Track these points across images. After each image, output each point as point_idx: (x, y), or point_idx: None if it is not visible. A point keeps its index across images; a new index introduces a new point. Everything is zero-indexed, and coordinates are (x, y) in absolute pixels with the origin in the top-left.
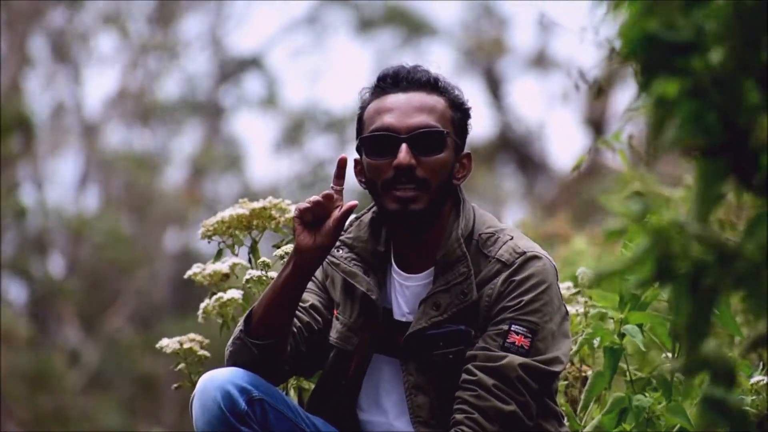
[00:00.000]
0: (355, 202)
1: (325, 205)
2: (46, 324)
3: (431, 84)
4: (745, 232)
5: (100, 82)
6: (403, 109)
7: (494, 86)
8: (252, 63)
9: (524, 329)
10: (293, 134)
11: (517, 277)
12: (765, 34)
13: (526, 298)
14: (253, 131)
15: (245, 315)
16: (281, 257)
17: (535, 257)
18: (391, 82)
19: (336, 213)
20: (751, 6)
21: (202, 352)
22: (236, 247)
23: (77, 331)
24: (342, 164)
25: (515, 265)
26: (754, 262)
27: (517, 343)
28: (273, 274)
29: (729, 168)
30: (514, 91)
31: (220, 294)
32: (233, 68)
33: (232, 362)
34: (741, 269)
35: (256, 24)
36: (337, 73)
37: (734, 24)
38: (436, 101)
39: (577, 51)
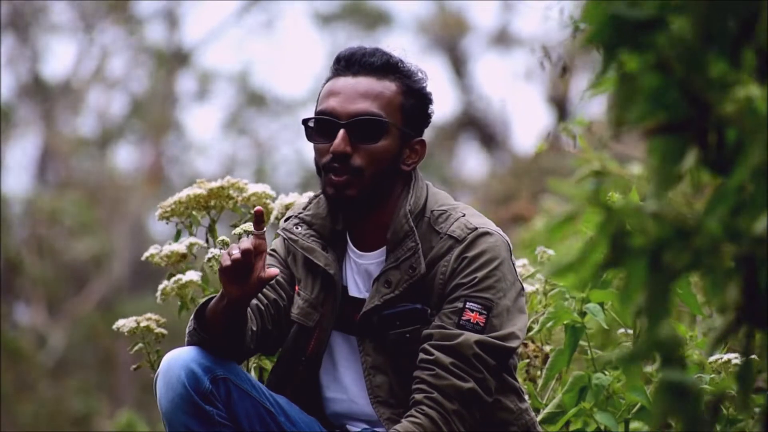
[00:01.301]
0: (276, 270)
1: (246, 260)
2: (12, 306)
3: (385, 68)
4: (706, 208)
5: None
6: (348, 94)
7: (457, 65)
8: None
9: (479, 306)
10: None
11: (470, 254)
12: (731, 2)
13: (479, 274)
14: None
15: (197, 309)
16: (239, 236)
17: (487, 233)
18: (344, 64)
19: (259, 268)
20: None
21: (158, 329)
22: (194, 228)
23: (44, 314)
24: (259, 214)
25: (467, 241)
26: (713, 237)
27: (472, 321)
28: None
29: (692, 143)
30: (477, 69)
31: (179, 276)
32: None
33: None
34: (700, 245)
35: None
36: (291, 62)
37: None
38: (385, 87)
39: (539, 29)
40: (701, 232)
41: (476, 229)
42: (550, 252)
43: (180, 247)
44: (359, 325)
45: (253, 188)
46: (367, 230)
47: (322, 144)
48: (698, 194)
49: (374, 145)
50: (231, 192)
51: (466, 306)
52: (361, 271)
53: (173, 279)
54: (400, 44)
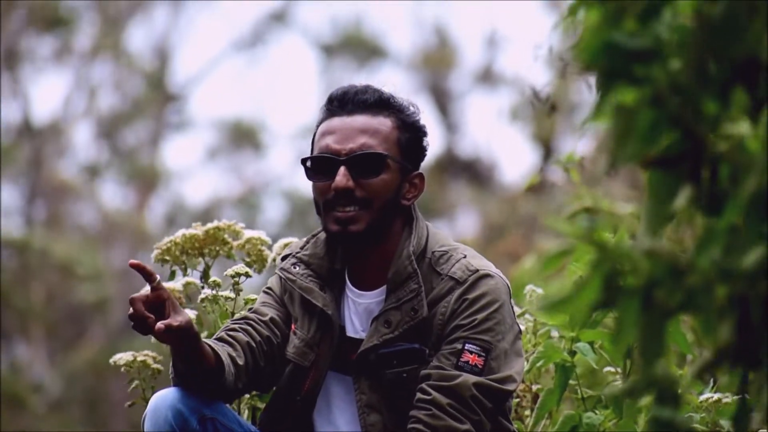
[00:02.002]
0: (161, 325)
1: (137, 312)
2: (10, 347)
3: (378, 105)
4: (697, 246)
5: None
6: (345, 131)
7: (442, 103)
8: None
9: (478, 348)
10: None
11: (470, 296)
12: (725, 44)
13: (479, 316)
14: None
15: (171, 360)
16: (233, 277)
17: (488, 275)
18: (337, 104)
19: (167, 316)
20: (712, 16)
21: (155, 365)
22: (189, 270)
23: (42, 355)
24: (138, 268)
25: (468, 283)
26: (706, 276)
27: (470, 362)
28: (225, 293)
29: (685, 179)
30: (462, 107)
31: None
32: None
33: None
34: (693, 284)
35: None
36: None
37: (694, 34)
38: (381, 123)
39: (524, 67)
40: (694, 270)
41: (477, 271)
42: (539, 291)
43: (176, 285)
44: (356, 364)
45: (249, 233)
46: (366, 269)
47: (323, 182)
48: (689, 232)
49: (375, 179)
50: (226, 236)
51: (465, 347)
52: (359, 311)
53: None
54: (391, 80)
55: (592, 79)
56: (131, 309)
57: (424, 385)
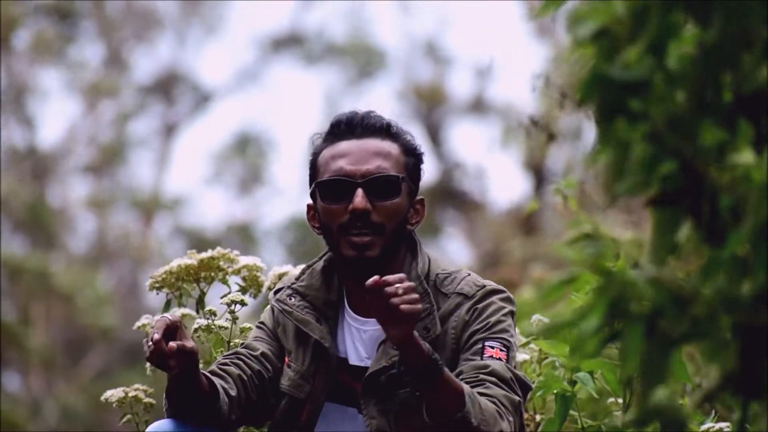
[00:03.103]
0: (173, 345)
1: (159, 350)
2: (6, 373)
3: (385, 130)
4: (701, 275)
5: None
6: (358, 154)
7: (433, 133)
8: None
9: (498, 344)
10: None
11: (480, 305)
12: (726, 76)
13: (492, 319)
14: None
15: (165, 390)
16: (228, 305)
17: (496, 290)
18: (345, 128)
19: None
20: (712, 49)
21: (147, 399)
22: (184, 299)
23: (40, 384)
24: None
25: (477, 297)
26: (711, 305)
27: (495, 356)
28: (220, 322)
29: (686, 212)
30: (453, 136)
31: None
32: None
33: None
34: (697, 314)
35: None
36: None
37: (695, 66)
38: (391, 147)
39: (516, 95)
40: (698, 300)
41: (485, 286)
42: (545, 320)
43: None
44: (364, 388)
45: (244, 260)
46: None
47: (337, 205)
48: (694, 261)
49: (391, 202)
50: (221, 263)
51: (486, 344)
52: (364, 338)
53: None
54: (387, 108)
55: (590, 112)
56: (152, 347)
57: (462, 376)
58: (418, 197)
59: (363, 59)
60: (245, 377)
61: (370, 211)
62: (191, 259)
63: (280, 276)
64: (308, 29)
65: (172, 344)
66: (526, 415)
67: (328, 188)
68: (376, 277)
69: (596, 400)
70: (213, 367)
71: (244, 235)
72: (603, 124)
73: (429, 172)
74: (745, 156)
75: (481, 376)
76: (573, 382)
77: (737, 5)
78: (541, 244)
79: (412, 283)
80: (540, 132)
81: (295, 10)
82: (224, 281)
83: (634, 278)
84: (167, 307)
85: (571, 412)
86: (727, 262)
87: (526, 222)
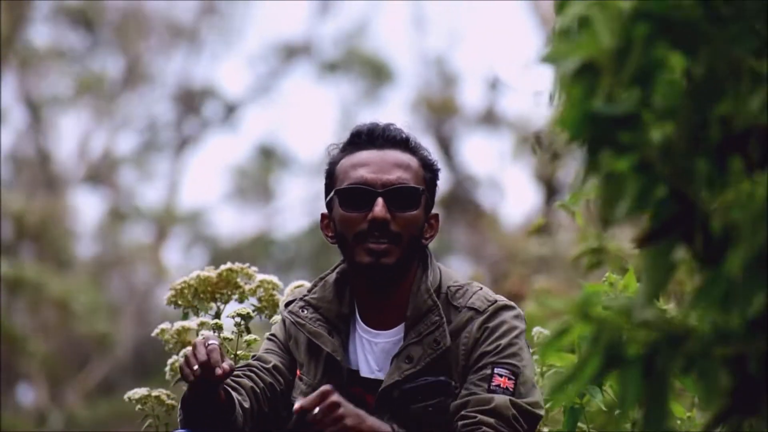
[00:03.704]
0: (227, 367)
1: (206, 376)
2: (12, 384)
3: (405, 142)
4: (693, 301)
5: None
6: (379, 164)
7: (444, 144)
8: (209, 93)
9: (507, 371)
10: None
11: (491, 324)
12: (715, 109)
13: (503, 342)
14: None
15: (182, 399)
16: (233, 318)
17: (507, 306)
18: (366, 138)
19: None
20: (700, 81)
21: (169, 401)
22: (201, 312)
23: (44, 395)
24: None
25: (488, 312)
26: (704, 340)
27: (502, 385)
28: (226, 334)
29: (679, 240)
30: (464, 149)
31: (188, 348)
32: (196, 99)
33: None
34: (692, 350)
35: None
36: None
37: (685, 99)
38: (410, 159)
39: (526, 110)
40: (692, 336)
41: (496, 301)
42: (546, 332)
43: (191, 323)
44: (377, 402)
45: (260, 277)
46: (383, 308)
47: (357, 213)
48: (689, 287)
49: (410, 214)
50: (239, 279)
51: (495, 372)
52: (375, 351)
53: (182, 352)
54: (404, 122)
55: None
56: (198, 372)
57: (464, 412)
58: (433, 212)
59: (376, 72)
60: (258, 390)
61: (389, 220)
62: (209, 273)
63: (298, 286)
64: (323, 43)
65: (226, 366)
66: None
67: (348, 196)
68: (296, 406)
69: (606, 412)
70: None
71: (260, 248)
72: (591, 157)
73: (441, 183)
74: (738, 187)
75: (480, 417)
76: (581, 395)
77: (723, 37)
78: (550, 256)
79: (332, 399)
80: (545, 149)
81: (310, 23)
82: (242, 299)
83: (626, 320)
84: (185, 316)
85: (580, 424)
86: (721, 286)
87: (537, 234)
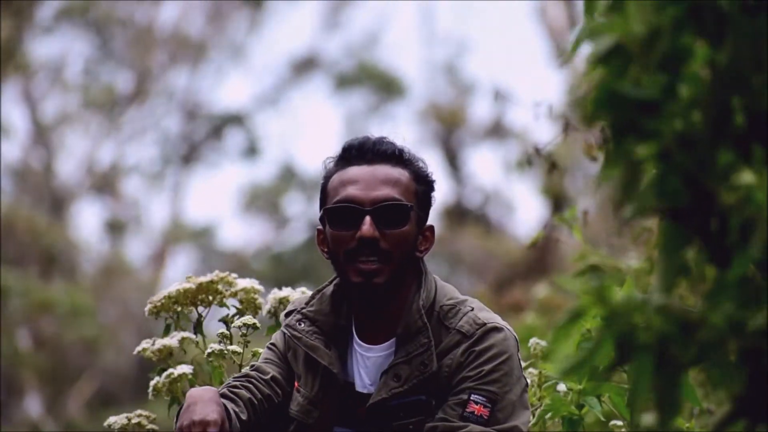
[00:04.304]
0: None
1: None
2: (9, 397)
3: (396, 156)
4: (707, 298)
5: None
6: (368, 181)
7: (452, 156)
8: (234, 119)
9: (484, 399)
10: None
11: (477, 348)
12: (739, 99)
13: (486, 368)
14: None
15: (178, 411)
16: (240, 328)
17: (495, 329)
18: (356, 153)
19: None
20: (724, 70)
21: (150, 425)
22: (183, 322)
23: (39, 407)
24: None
25: (475, 336)
26: (718, 331)
27: (476, 413)
28: (233, 347)
29: (693, 232)
30: (471, 160)
31: (170, 370)
32: (215, 124)
33: None
34: (705, 339)
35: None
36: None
37: (709, 89)
38: (401, 174)
39: (532, 122)
40: (706, 326)
41: (485, 324)
42: (543, 343)
43: (172, 341)
44: (365, 418)
45: (242, 283)
46: (376, 323)
47: (345, 232)
48: (701, 286)
49: (399, 230)
50: (220, 287)
51: (471, 398)
52: (368, 365)
53: (165, 373)
54: (400, 134)
55: (596, 135)
56: None
57: None
58: (428, 224)
59: (384, 84)
60: (256, 401)
61: (378, 238)
62: (190, 283)
63: (280, 300)
64: (331, 56)
65: None
66: None
67: (336, 214)
68: None
69: (604, 424)
70: (223, 389)
71: (267, 261)
72: (614, 141)
73: (446, 194)
74: (747, 176)
75: None
76: (580, 406)
77: (749, 26)
78: (554, 273)
79: None
80: (544, 161)
81: (317, 36)
82: (222, 304)
83: (640, 306)
84: (167, 331)
85: None
86: (734, 285)
87: (541, 247)
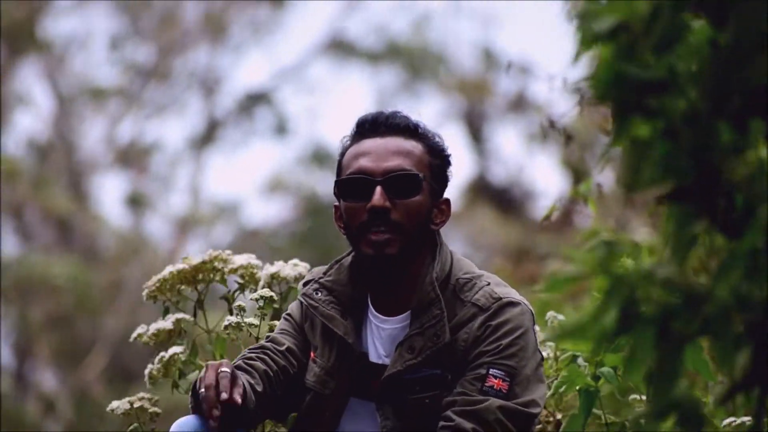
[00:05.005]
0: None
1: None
2: (22, 371)
3: (410, 129)
4: (717, 274)
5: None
6: (379, 152)
7: (476, 130)
8: (262, 98)
9: (502, 373)
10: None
11: (494, 322)
12: (738, 76)
13: (503, 342)
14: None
15: (192, 387)
16: (257, 300)
17: (511, 303)
18: (369, 127)
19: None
20: (726, 47)
21: (152, 409)
22: (181, 304)
23: (52, 379)
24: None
25: (491, 310)
26: (723, 304)
27: (495, 387)
28: (250, 320)
29: (700, 209)
30: (495, 135)
31: (161, 353)
32: (243, 102)
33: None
34: (710, 312)
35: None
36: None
37: (708, 65)
38: (413, 146)
39: (554, 96)
40: (712, 299)
41: (501, 298)
42: (560, 317)
43: (167, 324)
44: (379, 390)
45: (238, 260)
46: (391, 295)
47: (357, 203)
48: (713, 258)
49: (411, 200)
50: (216, 264)
51: (490, 372)
52: (383, 337)
53: (158, 357)
54: (417, 110)
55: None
56: (218, 414)
57: (448, 412)
58: (444, 197)
59: (412, 59)
60: (271, 373)
61: (389, 209)
62: (184, 264)
63: (273, 276)
64: (355, 31)
65: (237, 399)
66: (545, 412)
67: (348, 186)
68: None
69: (620, 396)
70: (239, 361)
71: (290, 237)
72: (619, 120)
73: (470, 169)
74: (760, 151)
75: (458, 421)
76: (597, 378)
77: (753, 6)
78: (564, 246)
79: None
80: (559, 134)
81: (342, 12)
82: (222, 281)
83: (644, 278)
84: (165, 313)
85: (597, 411)
86: (744, 259)
87: (562, 219)
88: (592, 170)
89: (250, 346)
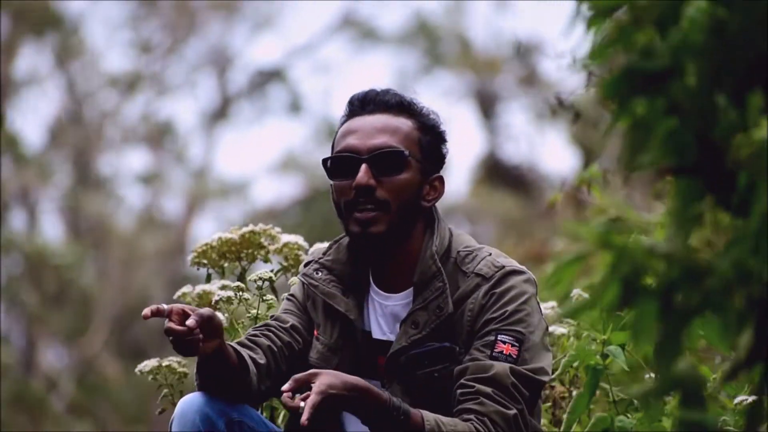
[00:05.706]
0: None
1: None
2: (25, 348)
3: (399, 106)
4: (724, 248)
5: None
6: (366, 130)
7: (486, 107)
8: (275, 75)
9: (511, 338)
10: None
11: (498, 290)
12: (740, 50)
13: (509, 308)
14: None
15: (197, 365)
16: (255, 281)
17: (514, 271)
18: (358, 105)
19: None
20: (726, 20)
21: (181, 369)
22: (225, 273)
23: (56, 356)
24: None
25: (495, 279)
26: (725, 279)
27: (504, 352)
28: (247, 295)
29: (705, 187)
30: (506, 113)
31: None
32: (257, 79)
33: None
34: (712, 287)
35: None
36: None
37: (708, 39)
38: (402, 123)
39: (565, 74)
40: (713, 273)
41: (504, 267)
42: (585, 296)
43: (212, 287)
44: (386, 367)
45: (285, 238)
46: (391, 272)
47: (344, 182)
48: (719, 236)
49: (397, 177)
50: (262, 240)
51: (498, 338)
52: (386, 314)
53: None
54: (412, 89)
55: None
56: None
57: (463, 380)
58: (437, 174)
59: (421, 37)
60: (275, 348)
61: (374, 186)
62: (232, 234)
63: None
64: (367, 13)
65: (190, 322)
66: (562, 389)
67: (334, 165)
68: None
69: (630, 373)
70: (242, 339)
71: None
72: (623, 105)
73: (479, 145)
74: (759, 131)
75: (478, 387)
76: (605, 356)
77: None
78: (565, 222)
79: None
80: (567, 111)
81: None
82: (267, 260)
83: (646, 252)
84: (209, 279)
85: (605, 385)
86: (751, 236)
87: (572, 197)
88: (599, 152)
89: (256, 325)
